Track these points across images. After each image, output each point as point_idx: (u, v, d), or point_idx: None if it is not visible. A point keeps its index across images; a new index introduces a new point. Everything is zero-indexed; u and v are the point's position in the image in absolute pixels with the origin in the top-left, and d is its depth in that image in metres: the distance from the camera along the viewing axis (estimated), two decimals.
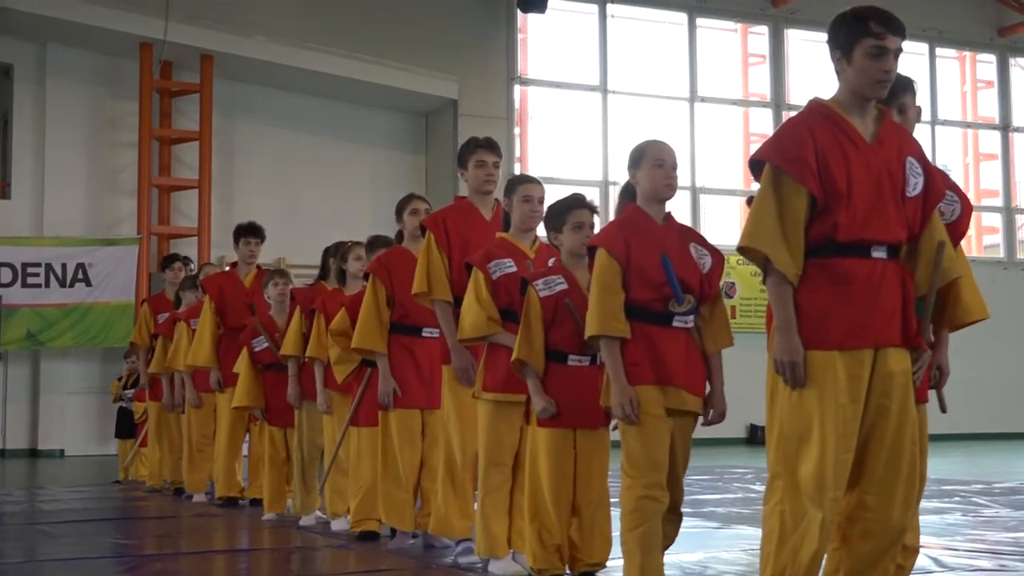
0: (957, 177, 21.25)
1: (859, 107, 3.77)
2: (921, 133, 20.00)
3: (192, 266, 11.56)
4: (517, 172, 17.69)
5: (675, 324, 4.37)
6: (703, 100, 19.01)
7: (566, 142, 18.50)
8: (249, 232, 9.23)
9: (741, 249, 3.74)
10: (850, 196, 3.65)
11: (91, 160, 16.34)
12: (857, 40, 3.69)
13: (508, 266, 5.30)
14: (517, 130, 18.00)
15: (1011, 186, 20.94)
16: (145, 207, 16.02)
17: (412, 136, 17.92)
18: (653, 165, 4.63)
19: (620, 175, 18.49)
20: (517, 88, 18.02)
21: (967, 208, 4.36)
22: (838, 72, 3.79)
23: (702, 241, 4.63)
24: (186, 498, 9.58)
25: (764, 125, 19.51)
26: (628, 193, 4.74)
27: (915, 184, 3.79)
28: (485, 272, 5.28)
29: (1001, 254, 20.74)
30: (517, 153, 17.89)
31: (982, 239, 21.39)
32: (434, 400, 5.97)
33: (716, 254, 4.59)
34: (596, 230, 5.13)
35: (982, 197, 21.15)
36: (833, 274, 3.64)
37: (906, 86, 4.35)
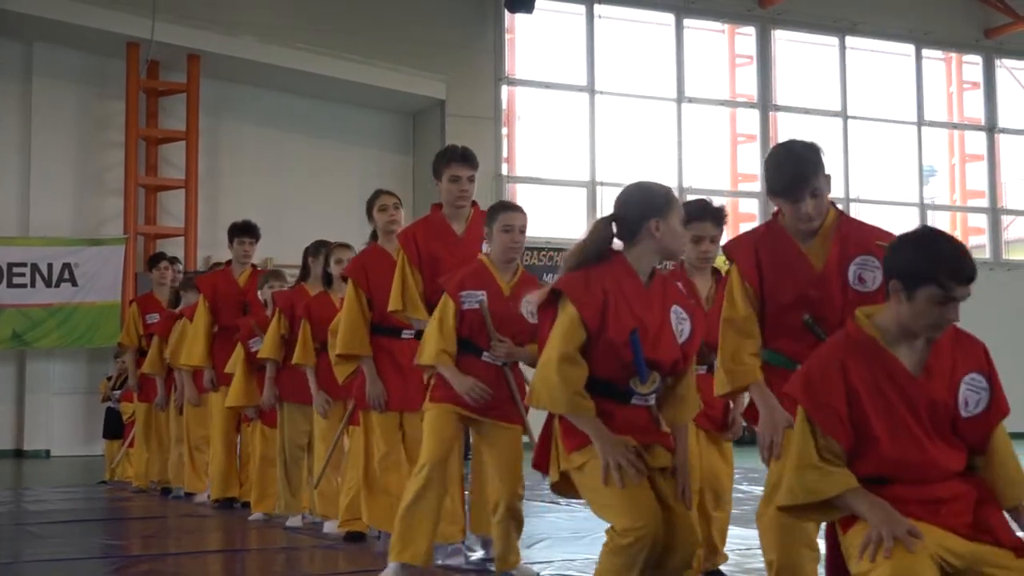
0: (943, 178, 21.35)
1: (906, 337, 3.45)
2: (907, 135, 20.13)
3: (179, 266, 11.51)
4: (504, 172, 17.71)
5: (634, 402, 3.94)
6: (690, 101, 19.04)
7: (554, 142, 18.51)
8: (244, 231, 9.22)
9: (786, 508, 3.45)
10: (892, 437, 3.39)
11: (78, 160, 16.29)
12: (922, 283, 3.33)
13: (478, 300, 5.21)
14: (505, 130, 18.01)
15: (997, 187, 21.01)
16: (132, 207, 15.99)
17: (399, 136, 17.91)
18: (680, 220, 4.04)
19: (608, 176, 18.61)
20: (505, 88, 18.02)
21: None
22: (890, 297, 3.42)
23: (683, 301, 4.10)
24: (186, 498, 9.57)
25: (751, 126, 19.54)
26: (613, 235, 4.08)
27: (977, 402, 3.47)
28: (456, 302, 5.23)
29: (987, 255, 20.80)
30: (505, 153, 17.89)
31: (968, 240, 21.44)
32: (413, 402, 5.96)
33: (697, 315, 4.12)
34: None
35: (968, 198, 21.22)
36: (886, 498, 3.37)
37: (817, 169, 4.13)
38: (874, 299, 4.00)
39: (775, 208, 4.25)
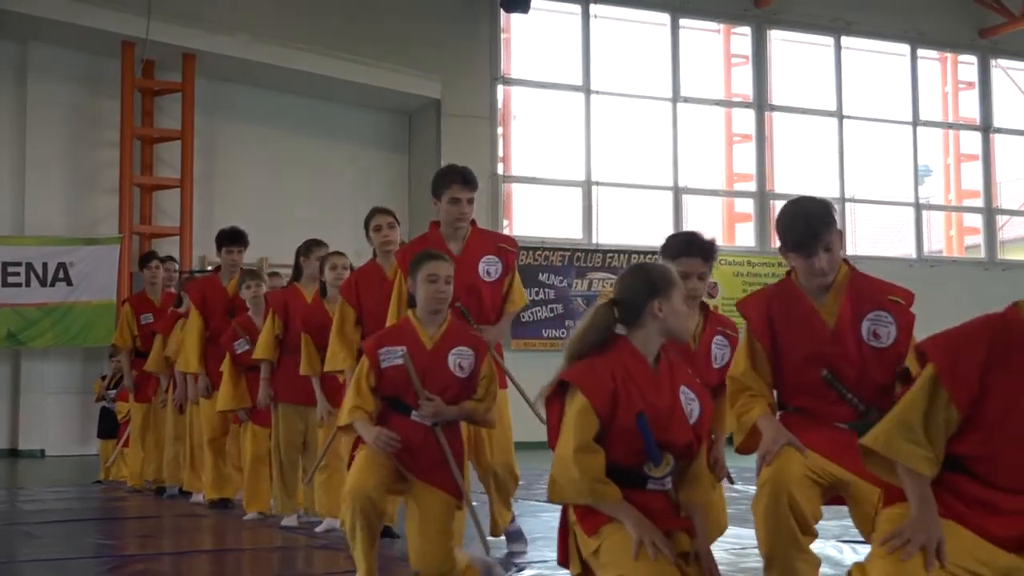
0: (938, 178, 21.35)
1: None
2: (903, 134, 20.14)
3: (174, 265, 11.48)
4: (500, 172, 17.70)
5: (649, 487, 3.86)
6: (686, 100, 19.04)
7: (549, 142, 18.51)
8: (231, 240, 9.22)
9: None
10: (993, 435, 3.30)
11: (72, 159, 16.27)
12: None
13: (398, 356, 5.00)
14: (500, 130, 18.01)
15: (992, 187, 21.03)
16: (127, 206, 15.97)
17: (395, 135, 17.90)
18: (682, 298, 3.96)
19: (603, 175, 18.60)
20: (500, 88, 18.02)
21: (904, 326, 4.19)
22: None
23: (690, 382, 4.04)
24: (182, 496, 9.59)
25: (747, 125, 19.55)
26: (615, 319, 3.96)
27: None
28: (373, 360, 5.04)
29: (982, 254, 20.82)
30: (500, 153, 17.90)
31: (963, 240, 21.47)
32: None
33: (703, 395, 4.03)
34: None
35: (963, 198, 21.24)
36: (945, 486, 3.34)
37: (828, 224, 4.14)
38: (891, 354, 4.10)
39: (789, 267, 4.31)
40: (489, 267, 6.13)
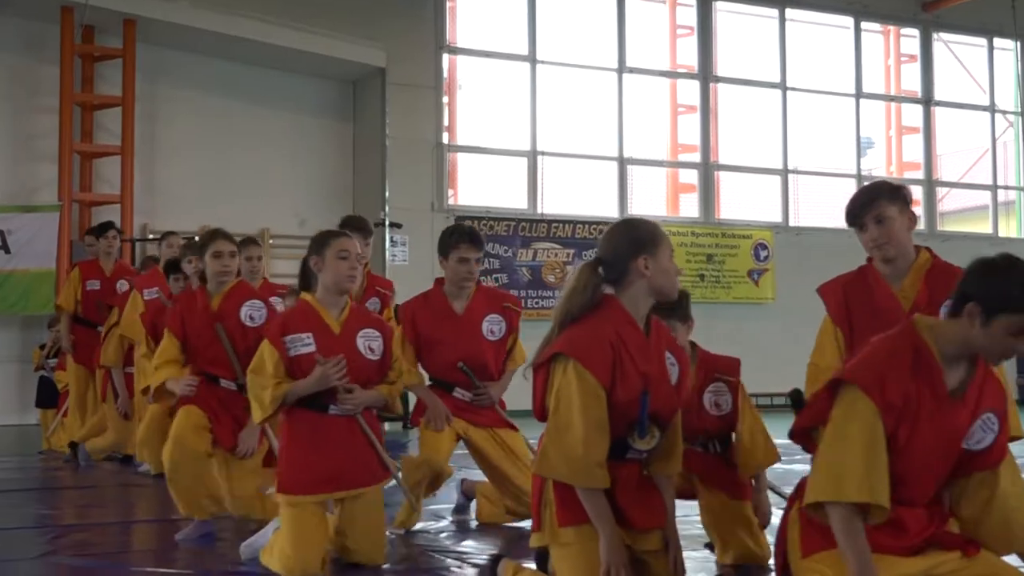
0: (880, 150, 21.55)
1: (961, 357, 3.39)
2: (846, 106, 20.27)
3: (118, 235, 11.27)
4: (445, 141, 17.64)
5: (629, 456, 3.80)
6: (631, 71, 19.04)
7: (494, 112, 18.46)
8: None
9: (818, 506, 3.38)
10: (904, 454, 3.35)
11: (10, 126, 16.01)
12: (1005, 312, 3.24)
13: (306, 344, 4.92)
14: (445, 99, 17.92)
15: (932, 159, 21.25)
16: (66, 174, 15.75)
17: (339, 104, 17.76)
18: (670, 255, 3.80)
19: (549, 146, 18.53)
20: (445, 57, 17.93)
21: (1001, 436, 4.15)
22: (961, 318, 3.33)
23: (673, 346, 3.95)
24: (124, 462, 9.57)
25: (692, 96, 19.59)
26: (601, 280, 3.83)
27: (980, 440, 3.44)
28: (279, 348, 4.93)
29: (922, 226, 21.06)
30: (445, 122, 17.82)
31: None
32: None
33: (683, 359, 3.97)
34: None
35: (904, 170, 21.44)
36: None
37: (881, 196, 4.23)
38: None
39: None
40: (493, 326, 6.19)
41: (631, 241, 3.78)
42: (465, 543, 5.73)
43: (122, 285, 10.42)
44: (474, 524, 6.31)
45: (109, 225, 10.98)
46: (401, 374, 5.23)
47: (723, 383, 4.92)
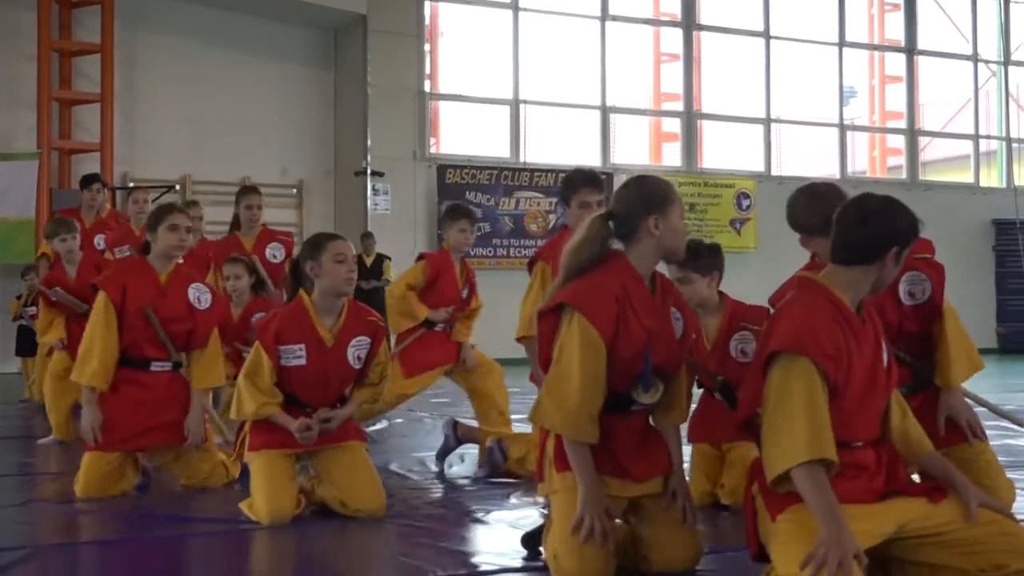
0: (863, 99, 21.53)
1: (859, 296, 3.55)
2: (829, 55, 20.22)
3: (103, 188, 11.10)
4: (427, 90, 17.54)
5: (633, 409, 3.84)
6: (614, 19, 18.95)
7: (477, 60, 18.36)
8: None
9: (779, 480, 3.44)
10: (842, 397, 3.47)
11: None
12: (909, 243, 3.51)
13: (297, 356, 4.98)
14: (427, 47, 17.81)
15: (915, 109, 21.24)
16: (45, 121, 15.63)
17: (321, 52, 17.64)
18: (680, 216, 3.83)
19: (531, 94, 18.46)
20: (427, 4, 17.80)
21: (937, 283, 4.33)
22: (868, 262, 3.49)
23: (679, 302, 3.96)
24: None
25: (675, 45, 19.51)
26: (611, 233, 3.82)
27: (884, 359, 3.59)
28: (273, 357, 4.98)
29: (904, 175, 21.10)
30: (427, 70, 17.72)
31: (886, 160, 21.73)
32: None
33: (688, 313, 3.97)
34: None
35: (887, 119, 21.45)
36: None
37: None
38: (926, 308, 4.24)
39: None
40: None
41: (643, 199, 3.79)
42: (456, 494, 5.76)
43: (99, 240, 10.31)
44: (453, 469, 6.34)
45: (94, 177, 10.85)
46: (384, 376, 5.29)
47: (749, 332, 4.99)
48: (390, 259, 14.90)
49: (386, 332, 5.33)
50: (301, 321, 5.02)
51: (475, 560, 4.16)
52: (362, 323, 5.14)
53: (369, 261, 14.55)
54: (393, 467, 6.48)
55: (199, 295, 5.81)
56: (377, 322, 5.23)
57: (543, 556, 3.92)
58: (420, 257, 7.52)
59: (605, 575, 3.69)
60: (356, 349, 5.09)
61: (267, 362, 4.96)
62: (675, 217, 3.79)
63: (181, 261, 5.94)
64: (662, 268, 4.00)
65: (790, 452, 3.37)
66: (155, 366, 5.72)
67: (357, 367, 5.12)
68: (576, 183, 5.68)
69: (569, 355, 3.69)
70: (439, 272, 7.29)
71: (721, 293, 5.15)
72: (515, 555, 4.13)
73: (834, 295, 3.52)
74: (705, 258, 5.04)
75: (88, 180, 10.65)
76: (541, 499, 4.04)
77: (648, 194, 3.79)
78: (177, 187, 15.54)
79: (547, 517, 3.95)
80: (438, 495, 5.64)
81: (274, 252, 8.31)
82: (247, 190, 8.46)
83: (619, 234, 3.81)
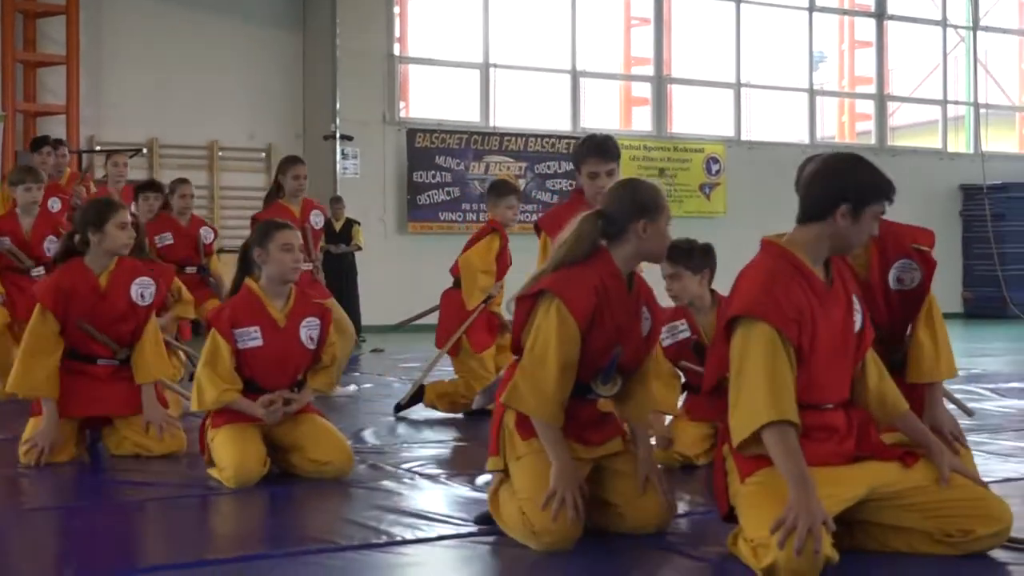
0: (832, 64, 21.54)
1: (823, 256, 3.64)
2: (799, 20, 20.21)
3: (64, 150, 10.95)
4: (397, 53, 17.44)
5: (589, 397, 4.00)
6: None
7: (446, 23, 18.24)
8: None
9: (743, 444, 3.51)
10: (809, 358, 3.54)
11: None
12: (872, 202, 3.57)
13: (253, 337, 5.10)
14: (397, 9, 17.67)
15: (884, 74, 21.26)
16: (9, 83, 15.44)
17: (289, 14, 17.45)
18: (668, 222, 3.97)
19: (501, 58, 18.34)
20: None
21: (927, 276, 4.37)
22: (821, 217, 3.59)
23: (651, 302, 4.11)
24: None
25: (645, 9, 19.44)
26: (601, 231, 3.95)
27: (857, 323, 3.70)
28: (230, 341, 5.09)
29: (873, 140, 21.15)
30: (397, 33, 17.60)
31: (855, 125, 21.77)
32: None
33: (657, 315, 4.14)
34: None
35: (856, 84, 21.48)
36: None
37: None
38: (914, 295, 4.30)
39: None
40: None
41: (635, 204, 3.92)
42: (419, 454, 5.77)
43: (54, 203, 10.13)
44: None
45: (43, 140, 10.68)
46: (334, 357, 5.42)
47: None
48: (359, 224, 14.84)
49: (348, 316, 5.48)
50: (253, 305, 5.15)
51: (442, 524, 4.18)
52: (310, 305, 5.32)
53: (338, 226, 14.45)
54: (363, 432, 6.49)
55: (142, 291, 5.76)
56: (324, 305, 5.43)
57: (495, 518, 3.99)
58: (490, 227, 7.43)
59: (574, 531, 3.75)
60: (308, 329, 5.22)
61: (225, 347, 5.07)
62: (663, 223, 3.93)
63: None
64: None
65: (752, 416, 3.43)
66: (101, 362, 5.75)
67: (311, 347, 5.24)
68: (583, 153, 5.62)
69: (546, 341, 3.82)
70: (504, 245, 7.36)
71: (713, 291, 5.40)
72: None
73: (795, 257, 3.58)
74: (697, 257, 5.33)
75: (37, 143, 10.48)
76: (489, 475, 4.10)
77: (641, 200, 3.93)
78: (144, 150, 15.41)
79: (497, 480, 4.00)
80: (406, 459, 5.65)
81: (316, 219, 8.42)
82: (294, 160, 8.61)
83: (607, 232, 3.94)
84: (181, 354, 6.71)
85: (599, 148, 5.58)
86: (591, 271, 3.88)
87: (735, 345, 3.51)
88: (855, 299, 3.71)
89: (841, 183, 3.59)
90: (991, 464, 5.13)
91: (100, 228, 5.60)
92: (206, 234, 8.85)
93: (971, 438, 5.03)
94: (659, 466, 4.22)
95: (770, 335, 3.46)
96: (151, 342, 5.79)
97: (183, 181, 9.35)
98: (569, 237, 3.95)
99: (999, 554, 3.59)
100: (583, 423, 3.97)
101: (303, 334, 5.19)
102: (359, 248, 14.58)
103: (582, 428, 3.96)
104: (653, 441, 4.94)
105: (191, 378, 6.20)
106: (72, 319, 5.60)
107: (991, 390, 8.39)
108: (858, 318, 3.69)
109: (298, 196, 8.29)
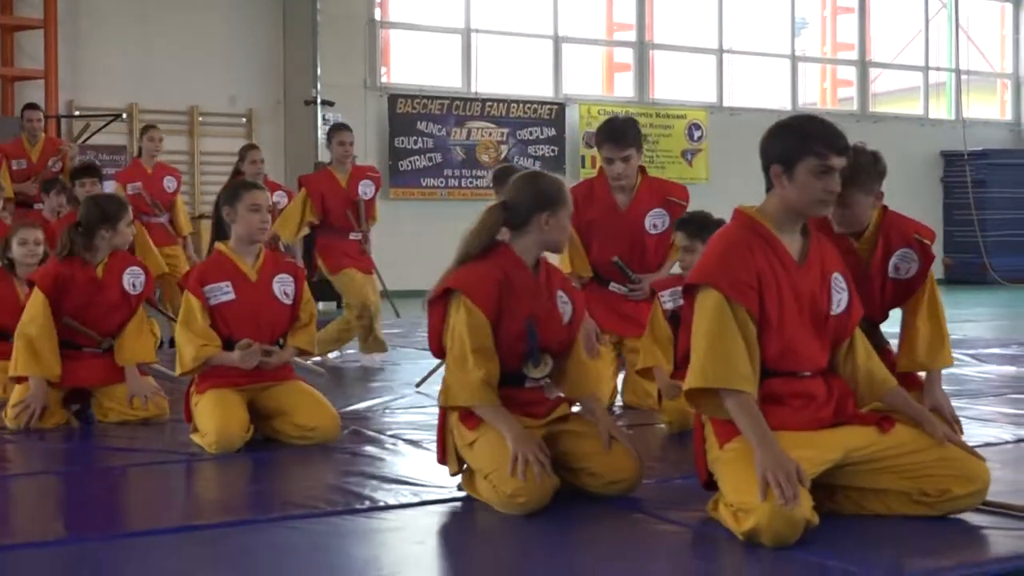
0: (814, 30, 21.51)
1: (791, 223, 3.65)
2: None
3: (39, 115, 10.91)
4: (378, 18, 17.35)
5: (527, 386, 4.10)
6: None
7: None
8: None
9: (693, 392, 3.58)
10: (779, 326, 3.58)
11: None
12: (800, 158, 3.56)
13: (225, 292, 5.16)
14: None
15: (866, 40, 21.24)
16: None
17: None
18: (568, 216, 4.09)
19: (483, 23, 18.27)
20: None
21: (923, 268, 4.46)
22: (772, 184, 3.64)
23: (566, 286, 4.24)
24: None
25: None
26: (504, 221, 4.08)
27: (839, 302, 3.71)
28: (200, 298, 5.15)
29: (854, 107, 21.16)
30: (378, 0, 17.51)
31: (837, 92, 21.77)
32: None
33: (577, 298, 4.26)
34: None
35: (838, 50, 21.45)
36: (761, 394, 3.55)
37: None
38: (907, 284, 4.39)
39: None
40: (656, 220, 6.14)
41: (538, 196, 4.03)
42: (401, 420, 5.79)
43: (56, 164, 10.31)
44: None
45: (34, 107, 10.74)
46: (312, 316, 5.46)
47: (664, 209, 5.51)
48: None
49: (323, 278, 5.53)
50: (222, 263, 5.25)
51: (425, 489, 4.19)
52: (281, 263, 5.41)
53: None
54: (347, 398, 6.49)
55: (133, 280, 5.89)
56: (296, 265, 5.51)
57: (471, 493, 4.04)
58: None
59: (546, 487, 3.81)
60: (281, 285, 5.28)
61: (196, 304, 5.13)
62: (563, 216, 4.05)
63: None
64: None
65: (692, 379, 3.55)
66: (86, 350, 5.84)
67: (287, 302, 5.29)
68: (599, 138, 5.93)
69: (460, 338, 3.95)
70: None
71: None
72: None
73: (761, 225, 3.64)
74: (711, 230, 5.29)
75: (27, 108, 10.59)
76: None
77: (543, 191, 4.04)
78: (124, 116, 15.31)
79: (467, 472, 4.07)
80: (389, 425, 5.66)
81: (366, 189, 8.35)
82: (339, 127, 8.64)
83: (508, 223, 4.06)
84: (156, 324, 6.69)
85: (614, 134, 5.82)
86: (492, 264, 4.01)
87: (695, 310, 3.60)
88: (838, 277, 3.73)
89: (767, 147, 3.66)
90: (972, 429, 5.16)
91: (117, 226, 5.80)
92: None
93: (951, 403, 5.06)
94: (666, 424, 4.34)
95: (718, 302, 3.52)
96: (135, 330, 5.87)
97: (253, 147, 9.49)
98: (474, 227, 4.07)
99: (978, 518, 3.62)
100: (527, 403, 4.07)
101: (277, 289, 5.25)
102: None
103: (527, 406, 4.06)
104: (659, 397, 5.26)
105: (171, 343, 6.23)
106: (64, 309, 5.72)
107: (972, 356, 8.43)
108: (842, 297, 3.72)
109: (344, 163, 8.36)
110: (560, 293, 4.15)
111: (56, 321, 5.69)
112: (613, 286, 6.18)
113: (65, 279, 5.71)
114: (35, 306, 5.68)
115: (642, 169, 6.17)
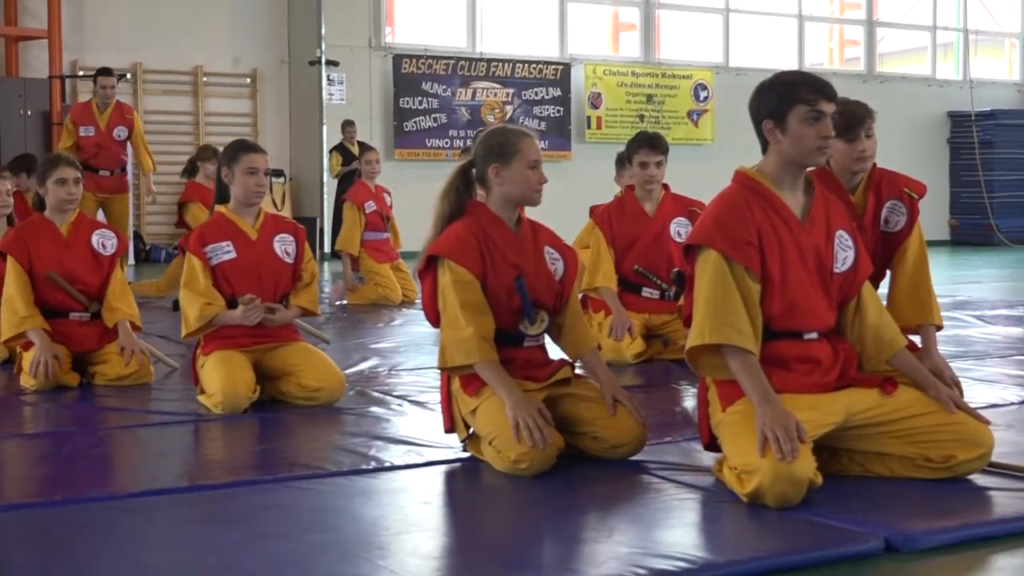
0: None
1: (791, 178, 3.65)
2: None
3: (114, 80, 10.85)
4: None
5: (527, 344, 4.08)
6: None
7: None
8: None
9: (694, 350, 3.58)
10: (783, 283, 3.58)
11: None
12: (789, 108, 3.57)
13: (226, 251, 5.21)
14: None
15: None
16: None
17: None
18: (527, 166, 4.02)
19: (487, 8, 18.08)
20: None
21: (910, 221, 4.53)
22: (768, 142, 3.65)
23: (555, 242, 4.21)
24: None
25: None
26: (471, 179, 4.13)
27: (844, 259, 3.71)
28: (202, 258, 5.19)
29: (861, 67, 21.06)
30: None
31: (844, 52, 21.66)
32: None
33: (568, 253, 4.22)
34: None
35: (845, 10, 21.35)
36: (766, 357, 3.55)
37: (871, 113, 4.52)
38: (896, 237, 4.45)
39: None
40: (680, 228, 6.50)
41: (487, 149, 4.04)
42: (407, 380, 5.80)
43: (120, 132, 10.37)
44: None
45: (106, 71, 10.73)
46: (314, 275, 5.48)
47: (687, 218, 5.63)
48: (373, 148, 14.80)
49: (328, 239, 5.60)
50: (222, 224, 5.29)
51: (431, 449, 4.21)
52: (283, 223, 5.45)
53: (355, 150, 14.78)
54: (353, 359, 6.50)
55: (103, 240, 5.93)
56: (296, 224, 5.52)
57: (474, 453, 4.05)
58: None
59: (550, 450, 3.80)
60: (282, 244, 5.33)
61: (198, 263, 5.16)
62: (518, 167, 3.99)
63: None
64: None
65: (689, 339, 3.58)
66: (73, 316, 5.85)
67: (288, 261, 5.33)
68: (635, 145, 6.45)
69: (451, 300, 3.95)
70: None
71: None
72: None
73: (760, 184, 3.65)
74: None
75: (101, 73, 10.69)
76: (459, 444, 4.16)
77: (491, 144, 4.03)
78: (128, 76, 15.26)
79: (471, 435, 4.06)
80: (394, 386, 5.67)
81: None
82: (367, 147, 10.20)
83: (479, 180, 4.09)
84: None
85: (651, 141, 6.40)
86: (469, 222, 4.03)
87: (695, 270, 3.62)
88: (843, 235, 3.72)
89: (756, 105, 3.68)
90: (977, 390, 5.17)
91: (43, 184, 5.84)
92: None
93: (956, 364, 5.07)
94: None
95: (717, 262, 3.53)
96: (119, 291, 5.90)
97: (370, 148, 10.71)
98: (441, 188, 4.11)
99: (982, 479, 3.63)
100: (527, 364, 4.06)
101: (277, 248, 5.30)
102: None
103: (528, 368, 4.05)
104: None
105: (176, 307, 6.23)
106: (39, 268, 5.74)
107: (977, 317, 8.43)
108: (848, 254, 3.71)
109: (372, 178, 10.12)
110: (548, 249, 4.14)
111: (38, 281, 5.73)
112: (645, 291, 6.56)
113: (26, 236, 5.79)
114: (8, 272, 5.75)
115: (666, 186, 6.62)
